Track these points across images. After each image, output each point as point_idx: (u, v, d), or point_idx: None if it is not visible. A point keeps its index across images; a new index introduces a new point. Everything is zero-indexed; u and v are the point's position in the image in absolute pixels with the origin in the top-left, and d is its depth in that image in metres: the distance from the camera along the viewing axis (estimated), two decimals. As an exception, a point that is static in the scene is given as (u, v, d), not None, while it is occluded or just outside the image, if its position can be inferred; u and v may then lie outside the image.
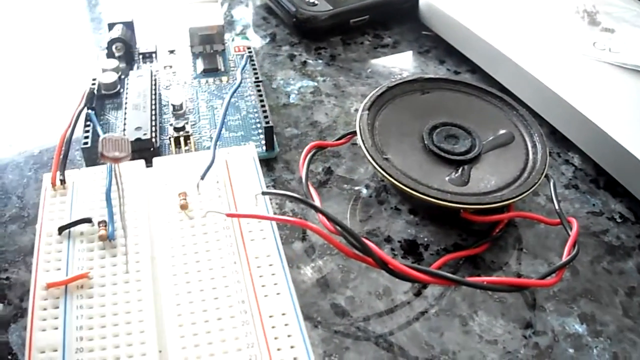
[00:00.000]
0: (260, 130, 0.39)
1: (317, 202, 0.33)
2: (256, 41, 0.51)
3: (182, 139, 0.38)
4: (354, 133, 0.36)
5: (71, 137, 0.34)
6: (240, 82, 0.41)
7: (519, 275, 0.33)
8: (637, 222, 0.36)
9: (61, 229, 0.29)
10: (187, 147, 0.38)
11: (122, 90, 0.41)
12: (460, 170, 0.35)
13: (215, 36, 0.46)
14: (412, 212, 0.36)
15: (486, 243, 0.34)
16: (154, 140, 0.36)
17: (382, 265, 0.29)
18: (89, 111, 0.37)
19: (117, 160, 0.29)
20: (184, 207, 0.30)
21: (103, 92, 0.41)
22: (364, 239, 0.29)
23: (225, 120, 0.40)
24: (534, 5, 0.49)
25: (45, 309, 0.26)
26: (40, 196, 0.31)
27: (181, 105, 0.40)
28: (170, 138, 0.39)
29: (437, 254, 0.34)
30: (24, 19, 0.53)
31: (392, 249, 0.34)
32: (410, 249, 0.34)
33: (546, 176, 0.35)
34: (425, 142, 0.36)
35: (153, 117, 0.38)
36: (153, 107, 0.39)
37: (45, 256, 0.28)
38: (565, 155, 0.41)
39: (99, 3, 0.56)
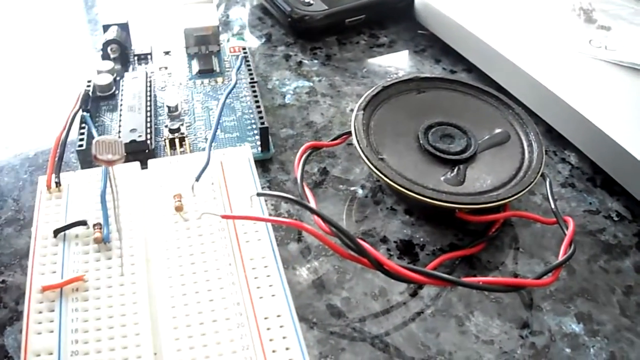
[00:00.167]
0: (255, 131, 0.39)
1: (312, 203, 0.33)
2: (252, 41, 0.51)
3: (177, 140, 0.38)
4: (350, 133, 0.36)
5: (66, 140, 0.34)
6: (236, 83, 0.41)
7: (516, 275, 0.33)
8: (634, 221, 0.36)
9: (56, 232, 0.29)
10: (182, 149, 0.38)
11: (117, 92, 0.41)
12: (455, 170, 0.35)
13: (211, 37, 0.46)
14: (407, 212, 0.36)
15: (482, 243, 0.34)
16: (149, 142, 0.36)
17: (378, 266, 0.29)
18: (84, 113, 0.37)
19: (110, 162, 0.29)
20: (179, 209, 0.30)
21: (98, 94, 0.41)
22: (359, 240, 0.29)
23: (221, 121, 0.40)
24: (530, 3, 0.49)
25: (40, 312, 0.26)
26: (36, 199, 0.31)
27: (176, 107, 0.40)
28: (165, 140, 0.39)
29: (433, 254, 0.34)
30: (19, 21, 0.53)
31: (388, 250, 0.34)
32: (406, 249, 0.34)
33: (542, 175, 0.35)
34: (421, 141, 0.36)
35: (148, 119, 0.38)
36: (148, 108, 0.39)
37: (41, 259, 0.28)
38: (562, 153, 0.41)
39: (95, 5, 0.56)
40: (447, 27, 0.49)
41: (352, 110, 0.42)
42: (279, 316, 0.27)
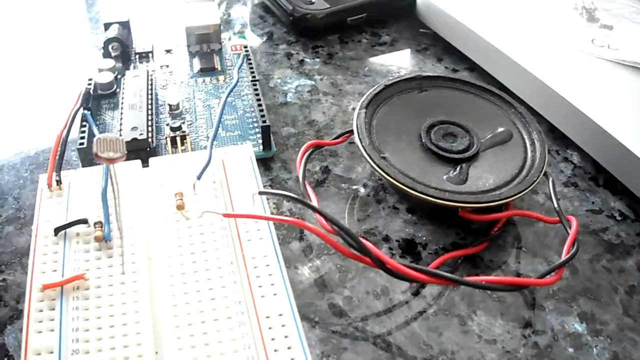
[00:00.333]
0: (257, 130, 0.39)
1: (314, 202, 0.33)
2: (253, 40, 0.51)
3: (178, 138, 0.38)
4: (352, 132, 0.36)
5: (67, 138, 0.34)
6: (237, 81, 0.41)
7: (518, 274, 0.33)
8: (637, 220, 0.36)
9: (57, 230, 0.29)
10: (183, 147, 0.38)
11: (118, 90, 0.41)
12: (458, 169, 0.35)
13: (212, 35, 0.46)
14: (410, 211, 0.36)
15: (485, 242, 0.34)
16: (150, 140, 0.36)
17: (380, 264, 0.28)
18: (85, 111, 0.37)
19: (111, 160, 0.29)
20: (180, 207, 0.30)
21: (99, 92, 0.41)
22: (361, 239, 0.29)
23: (222, 119, 0.40)
24: (532, 2, 0.49)
25: (41, 311, 0.26)
26: (36, 197, 0.31)
27: (178, 105, 0.40)
28: (166, 138, 0.38)
29: (435, 253, 0.34)
30: (20, 19, 0.53)
31: (390, 249, 0.34)
32: (409, 248, 0.34)
33: (545, 174, 0.35)
34: (423, 140, 0.36)
35: (149, 117, 0.38)
36: (149, 106, 0.38)
37: (41, 257, 0.28)
38: (564, 153, 0.41)
39: (96, 3, 0.56)
40: (450, 26, 0.48)
41: (353, 108, 0.42)
42: (280, 315, 0.26)
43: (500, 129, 0.37)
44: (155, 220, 0.30)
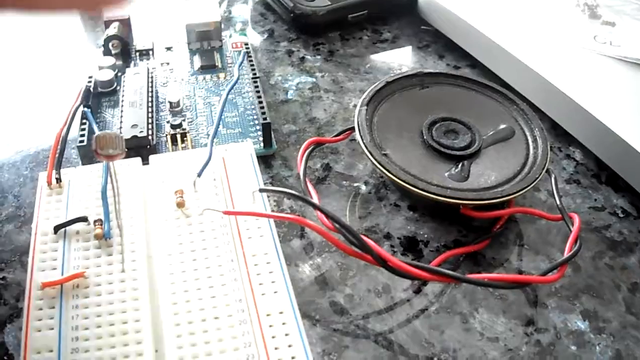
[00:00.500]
0: (258, 127, 0.39)
1: (315, 199, 0.33)
2: (254, 37, 0.50)
3: (178, 136, 0.38)
4: (353, 129, 0.36)
5: (67, 135, 0.34)
6: (238, 79, 0.40)
7: (520, 272, 0.33)
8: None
9: (57, 228, 0.29)
10: (184, 145, 0.38)
11: (118, 87, 0.41)
12: (460, 166, 0.34)
13: (213, 32, 0.45)
14: (411, 208, 0.36)
15: (487, 239, 0.34)
16: (150, 137, 0.36)
17: (382, 262, 0.28)
18: (85, 109, 0.36)
19: (111, 157, 0.29)
20: (180, 204, 0.30)
21: (99, 89, 0.41)
22: (362, 236, 0.28)
23: (223, 117, 0.40)
24: (534, -1, 0.49)
25: (40, 309, 0.26)
26: (36, 195, 0.31)
27: (178, 102, 0.40)
28: (167, 135, 0.38)
29: (437, 250, 0.34)
30: (20, 17, 0.53)
31: (392, 246, 0.34)
32: (410, 245, 0.34)
33: (547, 171, 0.35)
34: (425, 137, 0.36)
35: (150, 115, 0.37)
36: (150, 104, 0.38)
37: (41, 255, 0.28)
38: (567, 150, 0.40)
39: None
40: (451, 23, 0.48)
41: (355, 106, 0.42)
42: (281, 313, 0.26)
43: (502, 126, 0.37)
44: (155, 218, 0.30)
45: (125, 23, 0.45)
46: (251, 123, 0.40)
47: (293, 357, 0.25)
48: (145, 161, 0.33)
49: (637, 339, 0.30)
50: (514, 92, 0.40)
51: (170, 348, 0.25)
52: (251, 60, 0.43)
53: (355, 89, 0.45)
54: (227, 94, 0.38)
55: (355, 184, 0.37)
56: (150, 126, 0.37)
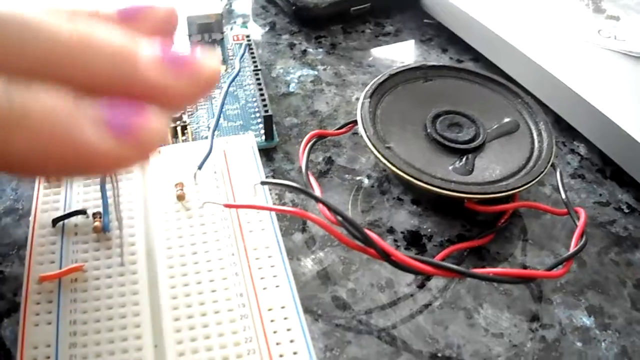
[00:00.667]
0: (259, 120, 0.39)
1: (317, 192, 0.32)
2: (255, 30, 0.50)
3: (179, 128, 0.38)
4: (355, 122, 0.36)
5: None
6: (239, 71, 0.40)
7: (525, 267, 0.32)
8: (645, 212, 0.36)
9: (55, 221, 0.29)
10: (184, 137, 0.37)
11: (118, 79, 0.41)
12: (464, 159, 0.34)
13: (214, 25, 0.45)
14: (414, 202, 0.36)
15: (491, 234, 0.34)
16: (150, 130, 0.36)
17: (385, 256, 0.28)
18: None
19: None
20: (180, 197, 0.30)
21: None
22: (366, 230, 0.28)
23: (224, 109, 0.39)
24: (538, -8, 0.49)
25: (38, 303, 0.26)
26: (34, 188, 0.31)
27: (178, 95, 0.40)
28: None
29: (440, 245, 0.33)
30: None
31: (395, 240, 0.33)
32: (413, 240, 0.34)
33: (552, 165, 0.34)
34: (428, 130, 0.35)
35: (150, 107, 0.37)
36: (150, 96, 0.38)
37: (39, 249, 0.28)
38: (571, 144, 0.40)
39: (95, -8, 0.55)
40: (454, 16, 0.48)
41: (357, 99, 0.41)
42: (283, 307, 0.26)
43: (507, 119, 0.36)
44: (155, 211, 0.30)
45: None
46: (252, 116, 0.39)
47: (295, 353, 0.25)
48: (145, 153, 0.33)
49: (643, 335, 0.30)
50: (517, 85, 0.40)
51: (169, 343, 0.25)
52: (252, 53, 0.42)
53: (358, 82, 0.44)
54: (228, 86, 0.37)
55: (358, 178, 0.37)
56: (150, 118, 0.36)
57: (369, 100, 0.36)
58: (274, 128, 0.38)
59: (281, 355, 0.25)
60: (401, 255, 0.28)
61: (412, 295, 0.31)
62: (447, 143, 0.35)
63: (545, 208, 0.34)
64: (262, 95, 0.38)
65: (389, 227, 0.34)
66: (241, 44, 0.44)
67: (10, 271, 0.31)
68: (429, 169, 0.33)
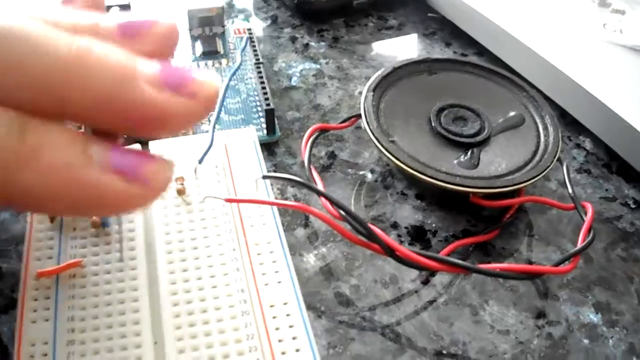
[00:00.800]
0: (261, 114, 0.38)
1: (320, 187, 0.32)
2: (257, 24, 0.49)
3: (179, 122, 0.37)
4: (358, 116, 0.35)
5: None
6: (240, 64, 0.40)
7: (531, 263, 0.32)
8: (653, 208, 0.35)
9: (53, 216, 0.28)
10: (184, 131, 0.37)
11: (118, 73, 0.40)
12: (469, 153, 0.34)
13: (215, 18, 0.45)
14: (419, 197, 0.35)
15: (496, 229, 0.33)
16: (150, 124, 0.35)
17: (389, 252, 0.28)
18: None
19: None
20: (181, 192, 0.29)
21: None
22: (370, 225, 0.28)
23: (225, 103, 0.39)
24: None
25: (36, 300, 0.25)
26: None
27: (179, 89, 0.39)
28: (167, 122, 0.37)
29: (445, 240, 0.33)
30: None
31: (399, 235, 0.33)
32: (418, 235, 0.33)
33: (559, 159, 0.34)
34: (433, 124, 0.35)
35: (150, 101, 0.37)
36: (150, 90, 0.37)
37: (37, 244, 0.28)
38: (577, 139, 0.40)
39: (95, -14, 0.55)
40: (458, 10, 0.47)
41: (360, 93, 0.41)
42: (285, 304, 0.26)
43: (512, 113, 0.36)
44: (155, 206, 0.29)
45: (126, 8, 0.45)
46: (254, 110, 0.39)
47: (297, 350, 0.24)
48: (145, 147, 0.32)
49: (652, 333, 0.29)
50: (522, 79, 0.40)
51: (169, 340, 0.24)
52: (254, 46, 0.42)
53: (361, 76, 0.44)
54: (230, 80, 0.37)
55: (361, 172, 0.36)
56: (150, 112, 0.36)
57: (372, 93, 0.35)
58: (276, 122, 0.38)
59: (283, 353, 0.24)
60: (406, 250, 0.27)
61: (416, 292, 0.30)
62: (451, 137, 0.34)
63: (552, 203, 0.34)
64: (263, 88, 0.38)
65: (392, 222, 0.34)
66: (242, 38, 0.44)
67: (8, 267, 0.31)
68: (433, 163, 0.32)
